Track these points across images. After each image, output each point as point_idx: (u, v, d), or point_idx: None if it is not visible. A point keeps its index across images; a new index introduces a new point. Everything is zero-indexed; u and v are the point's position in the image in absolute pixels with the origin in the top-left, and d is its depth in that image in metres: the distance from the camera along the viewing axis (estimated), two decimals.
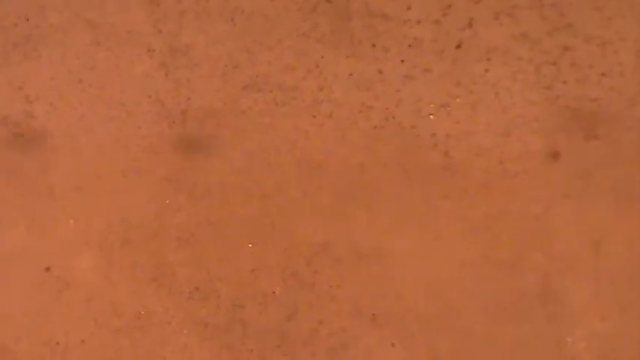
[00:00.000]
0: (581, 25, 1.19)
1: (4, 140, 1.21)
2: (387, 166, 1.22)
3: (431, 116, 1.23)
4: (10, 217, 1.21)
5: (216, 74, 1.23)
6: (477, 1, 1.21)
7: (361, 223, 1.23)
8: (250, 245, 1.21)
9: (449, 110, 1.22)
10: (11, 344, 1.21)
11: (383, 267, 1.22)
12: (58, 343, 1.21)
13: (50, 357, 1.20)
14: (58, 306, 1.21)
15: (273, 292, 1.22)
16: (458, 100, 1.22)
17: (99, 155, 1.22)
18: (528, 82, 1.21)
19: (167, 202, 1.22)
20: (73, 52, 1.23)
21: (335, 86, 1.23)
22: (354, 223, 1.23)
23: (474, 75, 1.22)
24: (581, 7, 1.19)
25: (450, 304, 1.22)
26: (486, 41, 1.22)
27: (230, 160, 1.22)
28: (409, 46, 1.23)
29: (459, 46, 1.22)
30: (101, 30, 1.24)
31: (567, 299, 1.20)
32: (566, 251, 1.20)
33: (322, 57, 1.23)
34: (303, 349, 1.21)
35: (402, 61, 1.23)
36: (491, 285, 1.21)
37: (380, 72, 1.23)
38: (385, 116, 1.22)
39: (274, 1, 1.23)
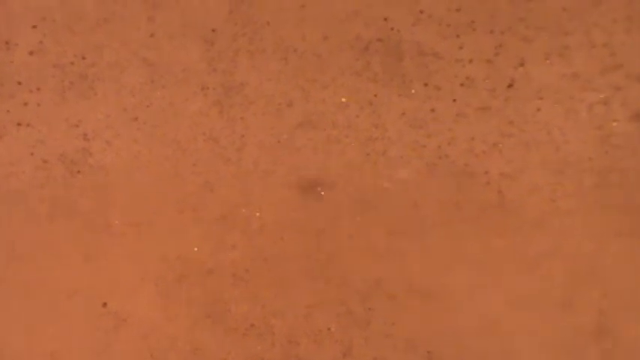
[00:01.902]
0: (632, 65, 1.25)
1: (62, 177, 1.27)
2: (441, 204, 1.28)
3: (483, 154, 1.28)
4: (67, 253, 1.26)
5: (271, 112, 1.29)
6: (528, 41, 1.27)
7: (415, 261, 1.28)
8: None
9: (501, 148, 1.27)
10: None
11: (437, 304, 1.27)
12: None
13: None
14: (115, 341, 1.26)
15: (328, 329, 1.26)
16: (510, 138, 1.27)
17: (155, 192, 1.27)
18: (580, 121, 1.26)
19: (222, 238, 1.27)
20: (129, 90, 1.29)
21: (388, 124, 1.28)
22: (408, 260, 1.28)
23: (526, 114, 1.27)
24: (633, 46, 1.24)
25: (504, 342, 1.26)
26: (538, 80, 1.27)
27: (284, 196, 1.27)
28: (461, 84, 1.28)
29: (510, 85, 1.28)
30: (156, 68, 1.30)
31: (622, 337, 1.24)
32: (621, 289, 1.25)
33: (375, 95, 1.29)
34: None
35: (454, 100, 1.28)
36: (546, 323, 1.26)
37: (432, 110, 1.28)
38: (438, 154, 1.28)
39: (327, 41, 1.29)
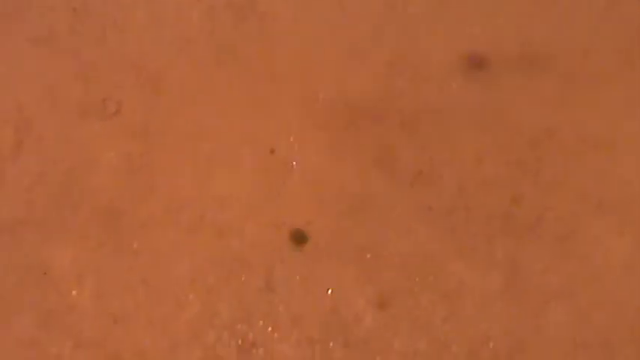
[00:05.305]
0: None
1: (229, 24, 1.30)
2: (613, 52, 1.28)
3: None
4: (234, 100, 1.30)
5: None
6: None
7: (587, 110, 1.30)
8: None
9: None
10: (237, 224, 1.30)
11: (609, 154, 1.30)
12: (283, 223, 1.28)
13: (276, 237, 1.29)
14: (283, 187, 1.30)
15: (496, 174, 1.28)
16: None
17: (322, 39, 1.30)
18: None
19: (391, 85, 1.29)
20: None
21: None
22: (579, 109, 1.29)
23: None
24: None
25: None
26: None
27: (450, 51, 1.29)
28: None
29: None
30: None
31: None
32: None
33: None
34: (529, 234, 1.27)
35: None
36: None
37: None
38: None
39: None
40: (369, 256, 1.33)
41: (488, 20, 1.41)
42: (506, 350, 1.24)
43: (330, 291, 1.31)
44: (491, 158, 1.38)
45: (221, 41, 1.39)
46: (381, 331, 1.27)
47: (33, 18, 1.43)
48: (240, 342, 1.27)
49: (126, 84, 1.40)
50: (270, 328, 1.28)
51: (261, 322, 1.29)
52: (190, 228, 1.36)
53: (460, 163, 1.38)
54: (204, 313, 1.30)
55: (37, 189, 1.38)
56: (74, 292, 1.31)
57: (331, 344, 1.26)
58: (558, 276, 1.30)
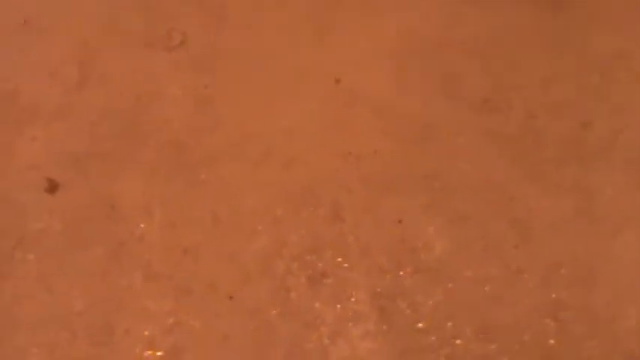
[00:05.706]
0: None
1: None
2: None
3: None
4: (300, 30, 1.29)
5: None
6: None
7: None
8: None
9: None
10: (304, 155, 1.29)
11: None
12: (350, 153, 1.28)
13: (343, 167, 1.28)
14: (349, 117, 1.29)
15: (566, 99, 1.27)
16: None
17: None
18: None
19: (455, 12, 1.28)
20: None
21: None
22: None
23: None
24: None
25: None
26: None
27: None
28: None
29: None
30: None
31: None
32: None
33: None
34: (600, 158, 1.25)
35: None
36: None
37: None
38: None
39: None
40: (437, 184, 1.32)
41: None
42: (578, 276, 1.23)
43: (399, 220, 1.30)
44: (560, 83, 1.36)
45: None
46: (451, 258, 1.26)
47: None
48: (310, 272, 1.26)
49: (190, 14, 1.39)
50: (339, 258, 1.27)
51: (330, 253, 1.28)
52: (257, 160, 1.36)
53: (528, 89, 1.37)
54: (273, 245, 1.29)
55: (104, 123, 1.38)
56: (143, 225, 1.31)
57: (401, 273, 1.25)
58: (629, 201, 1.29)
